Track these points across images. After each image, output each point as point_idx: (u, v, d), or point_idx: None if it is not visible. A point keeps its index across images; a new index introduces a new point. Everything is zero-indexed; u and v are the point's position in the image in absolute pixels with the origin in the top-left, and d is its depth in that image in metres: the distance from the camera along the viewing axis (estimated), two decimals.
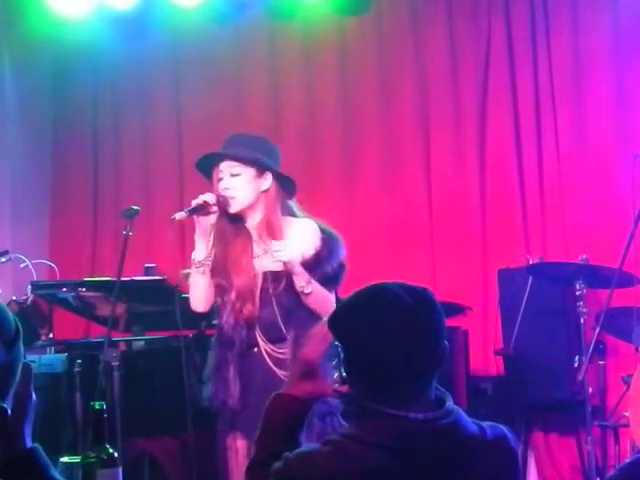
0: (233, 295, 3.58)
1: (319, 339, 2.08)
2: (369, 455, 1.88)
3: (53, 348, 4.70)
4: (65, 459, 2.23)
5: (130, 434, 4.22)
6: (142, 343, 4.79)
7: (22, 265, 5.30)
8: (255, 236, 3.63)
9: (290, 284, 3.54)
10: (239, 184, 3.61)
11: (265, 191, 3.63)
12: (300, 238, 3.58)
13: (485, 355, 5.63)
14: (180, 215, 3.58)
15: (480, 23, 5.90)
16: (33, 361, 4.22)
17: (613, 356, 5.30)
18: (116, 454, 2.09)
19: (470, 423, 1.96)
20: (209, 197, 3.57)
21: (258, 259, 3.61)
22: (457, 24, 5.93)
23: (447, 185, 5.89)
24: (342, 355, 1.98)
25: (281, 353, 3.54)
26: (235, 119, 6.28)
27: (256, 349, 3.58)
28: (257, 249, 3.62)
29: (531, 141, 5.77)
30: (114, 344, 4.41)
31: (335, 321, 2.02)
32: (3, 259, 5.25)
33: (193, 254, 3.64)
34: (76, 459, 2.18)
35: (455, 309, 5.05)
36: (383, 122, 6.02)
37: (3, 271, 5.47)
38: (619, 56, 5.61)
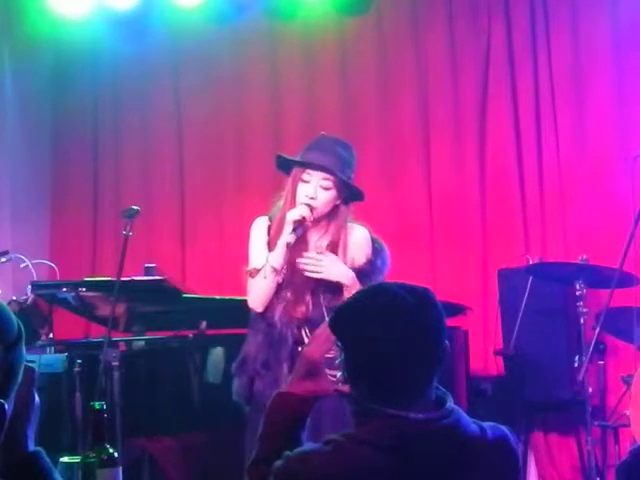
0: (289, 294, 3.58)
1: (323, 339, 2.08)
2: (369, 455, 1.88)
3: (53, 348, 4.70)
4: (65, 459, 2.23)
5: (130, 434, 4.21)
6: (142, 343, 4.80)
7: (22, 265, 5.30)
8: (313, 240, 3.65)
9: (339, 288, 3.55)
10: (325, 198, 3.61)
11: (336, 205, 3.66)
12: (355, 246, 3.63)
13: (485, 355, 5.63)
14: (292, 238, 3.54)
15: (480, 23, 5.89)
16: (33, 361, 4.22)
17: (613, 356, 5.31)
18: (116, 454, 2.09)
19: (471, 423, 1.96)
20: (304, 211, 3.56)
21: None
22: (457, 24, 5.93)
23: (447, 185, 5.89)
24: (343, 355, 1.98)
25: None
26: (235, 119, 6.29)
27: (302, 348, 3.58)
28: (311, 252, 3.63)
29: (531, 141, 5.77)
30: (114, 344, 4.41)
31: (336, 321, 2.02)
32: (3, 259, 5.26)
33: (270, 258, 3.58)
34: (76, 459, 2.18)
35: (455, 309, 5.05)
36: (383, 122, 6.02)
37: (3, 271, 5.47)
38: (619, 56, 5.61)
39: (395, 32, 6.06)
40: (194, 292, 5.05)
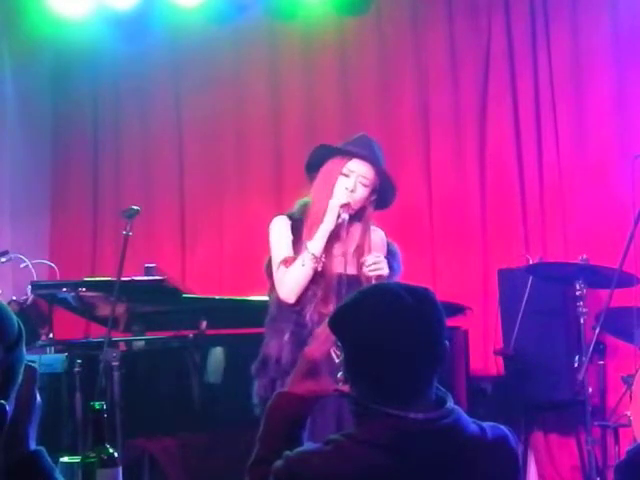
0: (320, 292, 3.57)
1: (323, 339, 2.08)
2: (369, 455, 1.88)
3: (53, 348, 4.70)
4: (65, 459, 2.23)
5: (130, 434, 4.21)
6: (142, 343, 4.80)
7: (22, 265, 5.30)
8: (339, 239, 3.63)
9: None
10: (361, 195, 3.62)
11: (363, 207, 3.67)
12: (373, 248, 3.65)
13: (485, 355, 5.64)
14: (347, 217, 3.56)
15: (480, 23, 5.90)
16: (33, 361, 4.21)
17: (613, 356, 5.31)
18: (116, 454, 2.09)
19: (470, 423, 1.96)
20: (348, 197, 3.57)
21: (336, 259, 3.62)
22: (457, 24, 5.93)
23: (447, 185, 5.89)
24: (343, 355, 1.98)
25: None
26: (235, 119, 6.29)
27: None
28: (337, 251, 3.63)
29: (531, 141, 5.77)
30: (114, 344, 4.41)
31: (336, 320, 2.02)
32: (3, 259, 5.26)
33: (310, 246, 3.56)
34: (76, 459, 2.18)
35: (455, 309, 5.05)
36: (383, 122, 6.01)
37: (3, 271, 5.47)
38: (619, 56, 5.61)
39: (395, 32, 6.06)
40: (194, 292, 5.05)
